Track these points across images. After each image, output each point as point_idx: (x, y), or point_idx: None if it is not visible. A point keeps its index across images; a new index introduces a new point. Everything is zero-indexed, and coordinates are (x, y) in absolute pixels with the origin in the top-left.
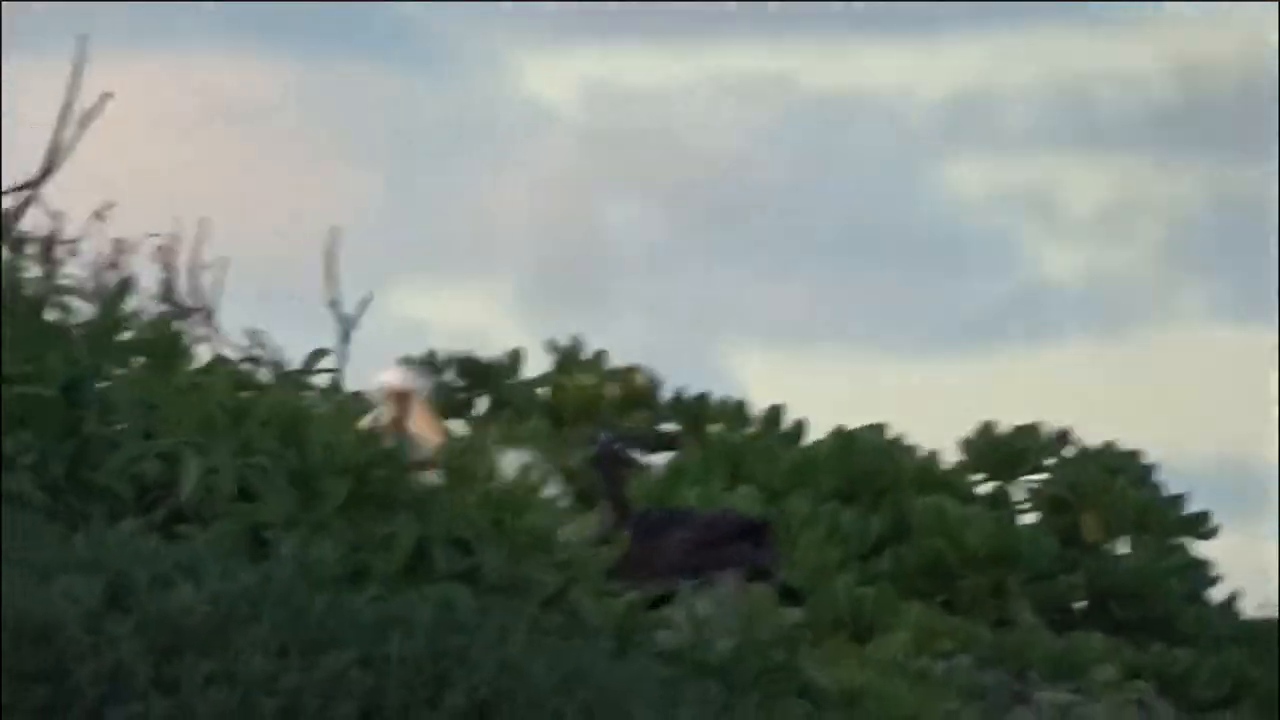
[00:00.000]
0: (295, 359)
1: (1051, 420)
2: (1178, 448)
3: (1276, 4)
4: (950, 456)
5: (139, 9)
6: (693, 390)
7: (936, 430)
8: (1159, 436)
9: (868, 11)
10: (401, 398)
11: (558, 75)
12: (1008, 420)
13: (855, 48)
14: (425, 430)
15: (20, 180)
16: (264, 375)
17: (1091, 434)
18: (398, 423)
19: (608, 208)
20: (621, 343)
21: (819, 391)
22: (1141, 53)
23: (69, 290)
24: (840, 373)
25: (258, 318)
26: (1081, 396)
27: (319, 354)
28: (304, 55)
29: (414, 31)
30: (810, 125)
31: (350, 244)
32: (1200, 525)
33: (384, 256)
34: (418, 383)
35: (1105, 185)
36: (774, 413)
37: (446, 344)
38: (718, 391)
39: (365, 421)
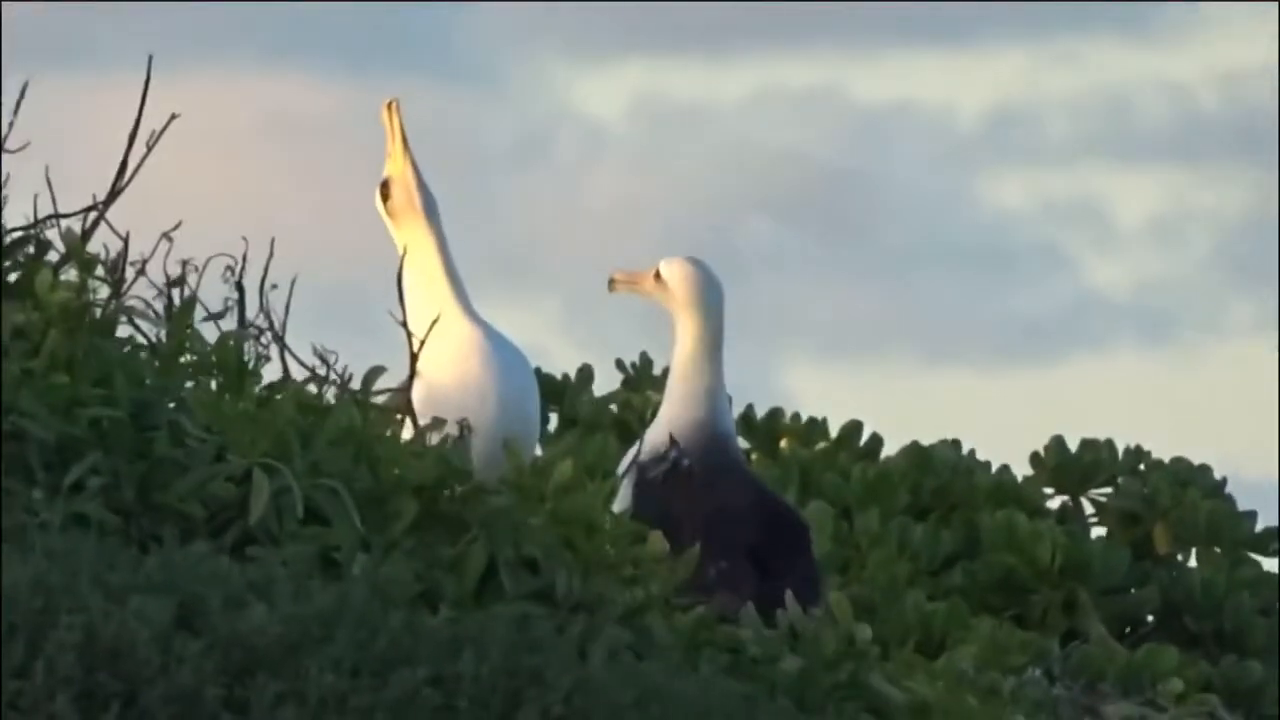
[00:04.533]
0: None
1: (1113, 432)
2: (1234, 460)
3: (1276, 4)
4: (1019, 469)
5: (186, 27)
6: (759, 405)
7: (997, 442)
8: (1216, 449)
9: (910, 21)
10: None
11: (607, 90)
12: (1071, 433)
13: (898, 58)
14: None
15: (88, 201)
16: (331, 395)
17: (1151, 445)
18: None
19: (660, 222)
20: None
21: (876, 404)
22: (1183, 61)
23: (138, 311)
24: (898, 384)
25: (326, 337)
26: (1138, 408)
27: (377, 370)
28: (350, 72)
29: (460, 46)
30: (857, 137)
31: None
32: (1269, 542)
33: None
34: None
35: (1150, 196)
36: (850, 428)
37: None
38: (776, 405)
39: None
